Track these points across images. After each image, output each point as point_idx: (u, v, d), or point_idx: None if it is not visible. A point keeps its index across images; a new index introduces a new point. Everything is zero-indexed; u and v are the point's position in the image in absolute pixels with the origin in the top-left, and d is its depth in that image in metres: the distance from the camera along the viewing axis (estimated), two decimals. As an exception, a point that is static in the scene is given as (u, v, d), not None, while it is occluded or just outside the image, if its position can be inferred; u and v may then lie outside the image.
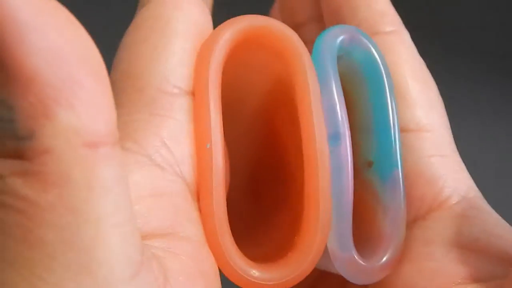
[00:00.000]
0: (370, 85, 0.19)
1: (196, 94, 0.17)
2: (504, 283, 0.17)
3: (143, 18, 0.18)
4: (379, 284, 0.19)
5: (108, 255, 0.12)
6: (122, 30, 0.18)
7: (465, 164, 0.20)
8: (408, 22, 0.21)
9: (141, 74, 0.17)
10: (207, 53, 0.17)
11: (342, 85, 0.18)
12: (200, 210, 0.17)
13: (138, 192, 0.15)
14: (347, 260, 0.18)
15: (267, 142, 0.21)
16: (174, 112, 0.17)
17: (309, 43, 0.19)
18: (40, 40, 0.11)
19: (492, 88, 0.43)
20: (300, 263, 0.17)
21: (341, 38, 0.19)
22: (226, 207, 0.17)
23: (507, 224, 0.18)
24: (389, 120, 0.19)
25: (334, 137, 0.18)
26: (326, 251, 0.18)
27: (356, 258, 0.18)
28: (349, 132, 0.18)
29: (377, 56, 0.19)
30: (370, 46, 0.19)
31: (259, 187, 0.22)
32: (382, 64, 0.19)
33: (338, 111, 0.18)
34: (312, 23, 0.23)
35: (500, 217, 0.19)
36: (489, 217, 0.19)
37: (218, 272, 0.16)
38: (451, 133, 0.20)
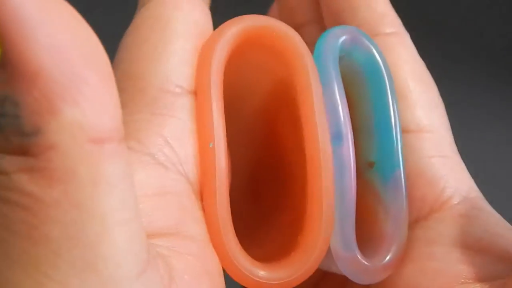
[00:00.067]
0: (371, 86, 0.19)
1: (198, 93, 0.17)
2: (506, 282, 0.17)
3: (144, 18, 0.18)
4: (381, 284, 0.19)
5: (114, 252, 0.12)
6: (122, 29, 0.18)
7: (465, 165, 0.20)
8: (408, 23, 0.21)
9: (142, 74, 0.17)
10: (209, 53, 0.17)
11: (343, 85, 0.19)
12: (203, 209, 0.17)
13: (142, 191, 0.15)
14: (350, 260, 0.18)
15: (267, 142, 0.21)
16: (176, 111, 0.17)
17: (308, 44, 0.19)
18: (45, 36, 0.11)
19: (492, 89, 0.43)
20: (304, 262, 0.17)
21: (342, 38, 0.19)
22: (229, 207, 0.17)
23: (508, 224, 0.19)
24: (391, 121, 0.19)
25: (336, 137, 0.18)
26: (328, 251, 0.18)
27: (359, 258, 0.18)
28: (352, 132, 0.18)
29: (378, 57, 0.19)
30: (372, 47, 0.19)
31: (258, 187, 0.22)
32: (383, 65, 0.19)
33: (340, 111, 0.18)
34: (311, 24, 0.23)
35: (501, 217, 0.19)
36: (491, 217, 0.19)
37: (222, 271, 0.16)
38: (452, 134, 0.20)
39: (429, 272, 0.18)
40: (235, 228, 0.17)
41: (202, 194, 0.17)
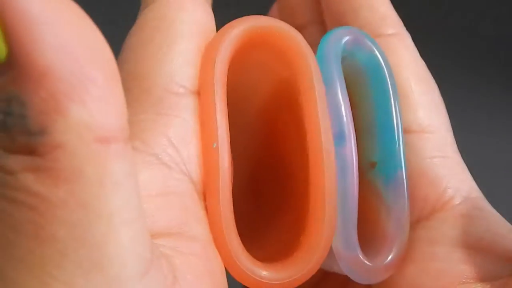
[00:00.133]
0: (374, 87, 0.20)
1: (202, 93, 0.17)
2: (507, 282, 0.17)
3: (147, 19, 0.18)
4: (383, 284, 0.19)
5: (119, 252, 0.12)
6: (124, 30, 0.18)
7: (466, 165, 0.20)
8: (409, 24, 0.21)
9: (147, 75, 0.17)
10: (212, 53, 0.17)
11: (345, 86, 0.19)
12: (206, 209, 0.17)
13: (146, 191, 0.15)
14: (352, 259, 0.18)
15: (269, 142, 0.21)
16: (180, 112, 0.17)
17: (309, 45, 0.19)
18: (52, 36, 0.11)
19: (493, 90, 0.43)
20: (306, 262, 0.17)
21: (345, 39, 0.19)
22: (232, 207, 0.17)
23: (509, 224, 0.19)
24: (393, 121, 0.19)
25: (339, 138, 0.18)
26: (330, 250, 0.18)
27: (361, 258, 0.18)
28: (354, 132, 0.18)
29: (380, 58, 0.19)
30: (374, 48, 0.19)
31: (260, 187, 0.22)
32: (386, 66, 0.19)
33: (343, 111, 0.18)
34: (312, 25, 0.23)
35: (502, 217, 0.19)
36: (492, 217, 0.19)
37: (224, 271, 0.16)
38: (452, 134, 0.20)
39: (431, 272, 0.18)
40: (237, 228, 0.17)
41: (205, 194, 0.17)
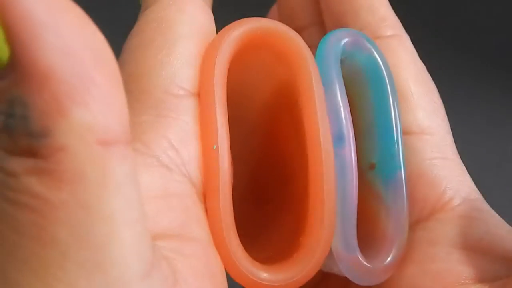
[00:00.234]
0: (373, 88, 0.20)
1: (202, 95, 0.17)
2: (507, 282, 0.17)
3: (147, 21, 0.18)
4: (382, 285, 0.19)
5: (121, 254, 0.12)
6: (125, 31, 0.18)
7: (465, 166, 0.20)
8: (408, 26, 0.21)
9: (147, 76, 0.17)
10: (212, 55, 0.17)
11: (345, 87, 0.19)
12: (206, 211, 0.17)
13: (146, 192, 0.15)
14: (351, 261, 0.18)
15: (268, 144, 0.21)
16: (180, 114, 0.17)
17: (308, 46, 0.19)
18: (54, 38, 0.11)
19: (493, 91, 0.43)
20: (306, 263, 0.17)
21: (344, 41, 0.19)
22: (232, 209, 0.17)
23: (508, 225, 0.19)
24: (392, 123, 0.19)
25: (338, 139, 0.18)
26: (330, 252, 0.18)
27: (361, 259, 0.18)
28: (353, 134, 0.18)
29: (379, 60, 0.19)
30: (373, 49, 0.19)
31: (260, 189, 0.22)
32: (385, 67, 0.19)
33: (342, 113, 0.18)
34: (312, 27, 0.23)
35: (501, 218, 0.19)
36: (491, 218, 0.19)
37: (225, 273, 0.16)
38: (452, 136, 0.21)
39: (430, 273, 0.18)
40: (237, 230, 0.17)
41: (205, 196, 0.17)
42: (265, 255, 0.19)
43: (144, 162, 0.16)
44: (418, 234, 0.19)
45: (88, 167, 0.12)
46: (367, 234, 0.19)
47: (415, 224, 0.19)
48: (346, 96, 0.18)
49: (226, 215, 0.16)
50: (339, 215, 0.18)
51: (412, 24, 0.22)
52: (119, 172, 0.12)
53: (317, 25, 0.23)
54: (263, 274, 0.17)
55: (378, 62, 0.19)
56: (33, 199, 0.11)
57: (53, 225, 0.12)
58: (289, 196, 0.20)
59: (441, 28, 0.46)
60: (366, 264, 0.18)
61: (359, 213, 0.18)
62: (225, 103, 0.17)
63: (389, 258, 0.19)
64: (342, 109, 0.18)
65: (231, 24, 0.18)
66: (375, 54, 0.19)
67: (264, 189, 0.22)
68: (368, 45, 0.19)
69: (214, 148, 0.17)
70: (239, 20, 0.18)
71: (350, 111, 0.18)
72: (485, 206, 0.19)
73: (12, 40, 0.11)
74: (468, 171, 0.20)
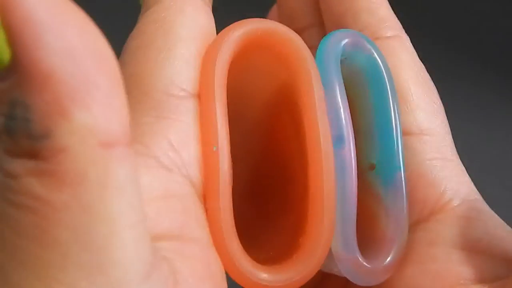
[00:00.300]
0: (373, 89, 0.20)
1: (202, 96, 0.17)
2: (507, 283, 0.17)
3: (148, 22, 0.18)
4: (382, 286, 0.19)
5: (122, 255, 0.12)
6: (125, 32, 0.18)
7: (464, 167, 0.20)
8: (408, 27, 0.21)
9: (147, 77, 0.17)
10: (213, 56, 0.17)
11: (345, 88, 0.19)
12: (206, 212, 0.17)
13: (146, 194, 0.15)
14: (351, 261, 0.18)
15: (268, 145, 0.21)
16: (180, 115, 0.17)
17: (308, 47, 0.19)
18: (56, 40, 0.11)
19: (492, 92, 0.43)
20: (306, 264, 0.17)
21: (344, 42, 0.19)
22: (232, 210, 0.17)
23: (508, 226, 0.19)
24: (392, 123, 0.19)
25: (338, 140, 0.18)
26: (330, 252, 0.18)
27: (360, 259, 0.18)
28: (353, 134, 0.18)
29: (379, 60, 0.20)
30: (373, 50, 0.19)
31: (260, 190, 0.22)
32: (385, 68, 0.19)
33: (342, 114, 0.18)
34: (311, 28, 0.24)
35: (500, 219, 0.19)
36: (490, 219, 0.19)
37: (224, 274, 0.16)
38: (451, 137, 0.21)
39: (430, 274, 0.18)
40: (237, 231, 0.17)
41: (206, 197, 0.17)
42: (265, 255, 0.19)
43: (145, 163, 0.16)
44: (418, 235, 0.19)
45: (89, 169, 0.12)
46: (367, 234, 0.19)
47: (415, 224, 0.19)
48: (346, 97, 0.18)
49: (226, 216, 0.16)
50: (339, 215, 0.18)
51: (412, 25, 0.22)
52: (120, 173, 0.12)
53: (317, 26, 0.23)
54: (263, 274, 0.17)
55: (378, 63, 0.19)
56: (34, 200, 0.11)
57: (54, 226, 0.12)
58: (289, 197, 0.20)
59: (441, 29, 0.46)
60: (366, 264, 0.18)
61: (359, 213, 0.18)
62: (225, 104, 0.17)
63: (388, 259, 0.19)
64: (342, 109, 0.18)
65: (231, 25, 0.18)
66: (375, 55, 0.20)
67: (264, 189, 0.22)
68: (368, 46, 0.19)
69: (214, 149, 0.17)
70: (239, 21, 0.18)
71: (350, 111, 0.18)
72: (485, 206, 0.19)
73: (13, 41, 0.11)
74: (468, 172, 0.20)
